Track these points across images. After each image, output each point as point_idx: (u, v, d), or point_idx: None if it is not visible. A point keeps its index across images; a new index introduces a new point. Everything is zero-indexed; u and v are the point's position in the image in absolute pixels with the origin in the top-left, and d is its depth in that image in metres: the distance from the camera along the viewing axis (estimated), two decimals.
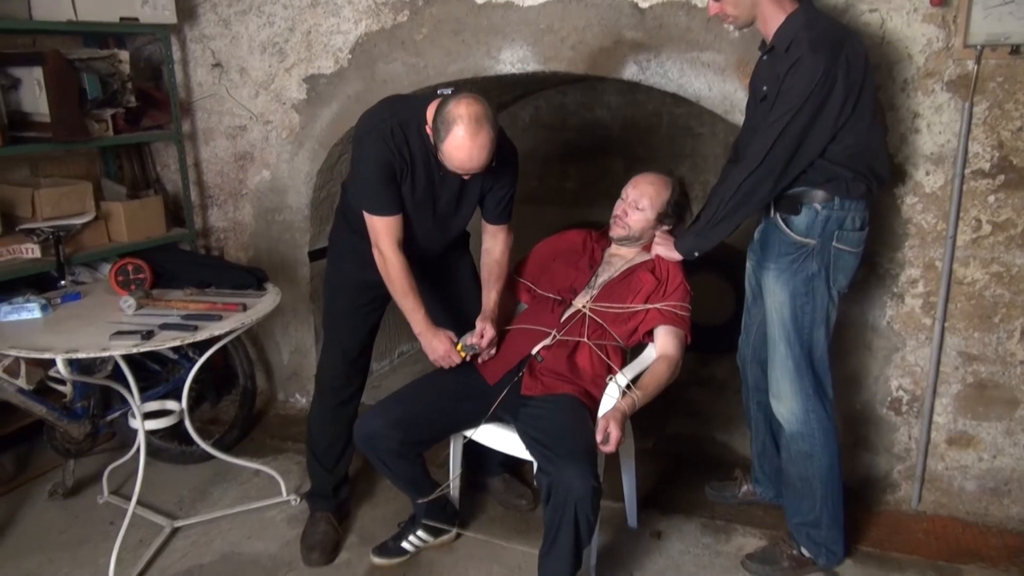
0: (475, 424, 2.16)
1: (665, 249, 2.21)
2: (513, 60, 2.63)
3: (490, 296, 2.22)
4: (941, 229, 2.28)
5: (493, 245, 2.26)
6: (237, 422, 3.02)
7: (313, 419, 2.42)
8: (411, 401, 2.14)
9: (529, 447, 2.01)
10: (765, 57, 2.03)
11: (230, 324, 2.18)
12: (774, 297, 2.06)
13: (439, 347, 2.12)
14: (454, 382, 2.18)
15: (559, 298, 2.27)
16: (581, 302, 2.23)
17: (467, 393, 2.16)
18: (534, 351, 2.16)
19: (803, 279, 2.01)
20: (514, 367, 2.16)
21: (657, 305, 2.14)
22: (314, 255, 3.18)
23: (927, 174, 2.26)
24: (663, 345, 2.13)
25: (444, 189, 2.11)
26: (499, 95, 3.56)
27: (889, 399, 2.45)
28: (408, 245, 2.11)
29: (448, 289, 2.35)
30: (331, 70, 2.90)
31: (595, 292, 2.24)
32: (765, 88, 1.98)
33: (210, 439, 2.76)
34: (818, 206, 1.98)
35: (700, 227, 2.10)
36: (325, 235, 3.19)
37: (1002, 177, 2.20)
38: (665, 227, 2.28)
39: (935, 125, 2.23)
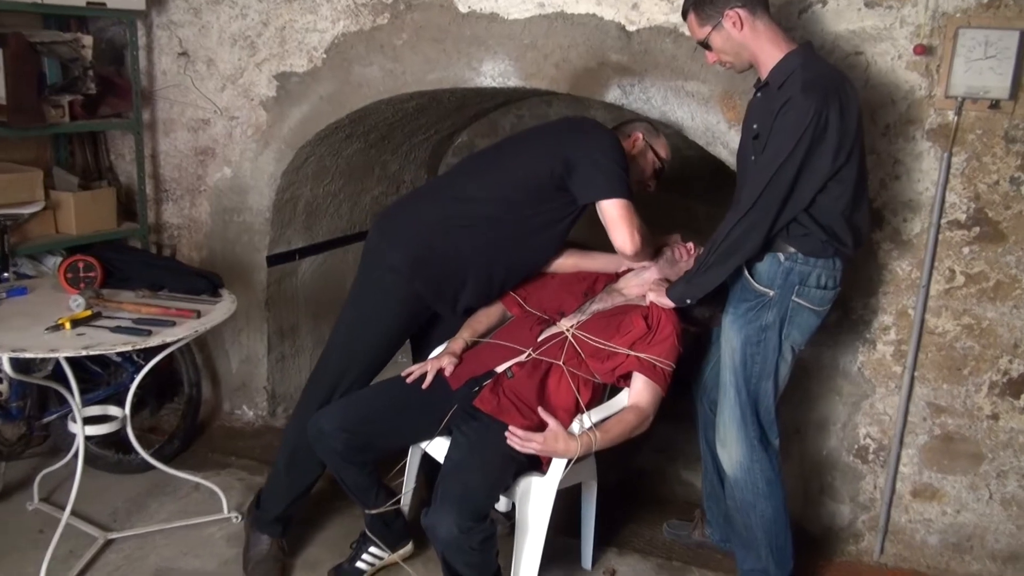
0: (430, 436, 2.35)
1: (657, 295, 2.36)
2: (494, 73, 2.83)
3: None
4: (915, 277, 2.51)
5: None
6: (179, 432, 3.17)
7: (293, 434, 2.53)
8: (364, 405, 2.33)
9: None
10: (759, 94, 2.21)
11: (183, 331, 2.34)
12: (728, 342, 2.26)
13: None
14: (415, 391, 2.36)
15: (544, 316, 2.45)
16: (566, 325, 2.39)
17: (426, 404, 2.33)
18: (505, 366, 2.33)
19: (757, 328, 2.20)
20: (479, 376, 2.34)
21: (640, 354, 2.27)
22: (273, 260, 3.35)
23: (904, 221, 2.50)
24: (636, 395, 2.27)
25: None
26: (479, 102, 3.75)
27: (856, 447, 2.67)
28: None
29: None
30: (304, 69, 3.09)
31: (583, 319, 2.40)
32: (756, 126, 2.15)
33: (149, 449, 2.90)
34: (781, 256, 2.16)
35: (691, 273, 2.26)
36: (286, 240, 3.39)
37: (977, 229, 2.43)
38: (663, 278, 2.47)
39: (914, 172, 2.46)
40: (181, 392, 3.23)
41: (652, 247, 2.49)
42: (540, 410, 2.16)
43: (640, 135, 2.52)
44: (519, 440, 2.10)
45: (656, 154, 2.54)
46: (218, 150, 3.31)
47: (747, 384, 2.24)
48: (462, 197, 2.41)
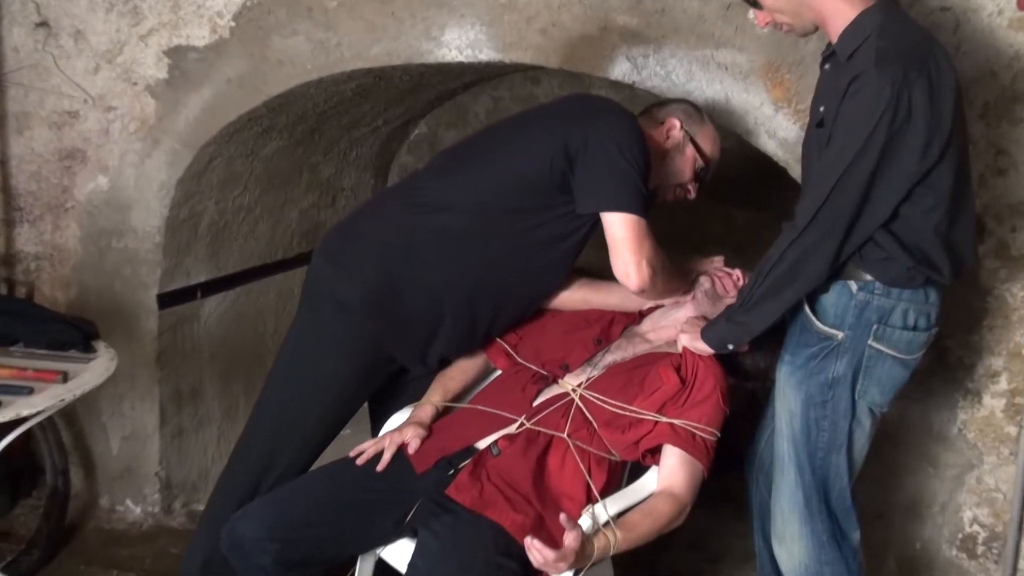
0: (388, 539, 2.31)
1: (690, 338, 2.35)
2: (461, 44, 2.86)
3: None
4: None
5: None
6: (40, 538, 3.13)
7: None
8: (300, 501, 2.28)
9: None
10: (827, 67, 2.22)
11: (44, 401, 2.32)
12: (785, 401, 2.26)
13: None
14: (368, 477, 2.32)
15: (542, 372, 2.45)
16: (573, 383, 2.40)
17: (383, 494, 2.30)
18: (490, 440, 2.32)
19: (821, 384, 2.18)
20: (454, 455, 2.32)
21: (674, 420, 2.25)
22: (166, 299, 3.35)
23: (1013, 230, 2.53)
24: (669, 476, 2.24)
25: None
26: (441, 82, 3.79)
27: (960, 536, 2.68)
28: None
29: None
30: (205, 41, 3.10)
31: (596, 374, 2.41)
32: (822, 108, 2.16)
33: (0, 561, 2.88)
34: (854, 286, 2.14)
35: (733, 309, 2.25)
36: (184, 272, 3.40)
37: None
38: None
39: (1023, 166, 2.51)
40: (42, 483, 3.21)
41: (679, 280, 2.49)
42: (563, 517, 2.02)
43: (678, 123, 2.51)
44: (542, 558, 1.98)
45: (699, 150, 2.53)
46: (90, 152, 3.31)
47: (811, 459, 2.23)
48: (432, 205, 2.40)
